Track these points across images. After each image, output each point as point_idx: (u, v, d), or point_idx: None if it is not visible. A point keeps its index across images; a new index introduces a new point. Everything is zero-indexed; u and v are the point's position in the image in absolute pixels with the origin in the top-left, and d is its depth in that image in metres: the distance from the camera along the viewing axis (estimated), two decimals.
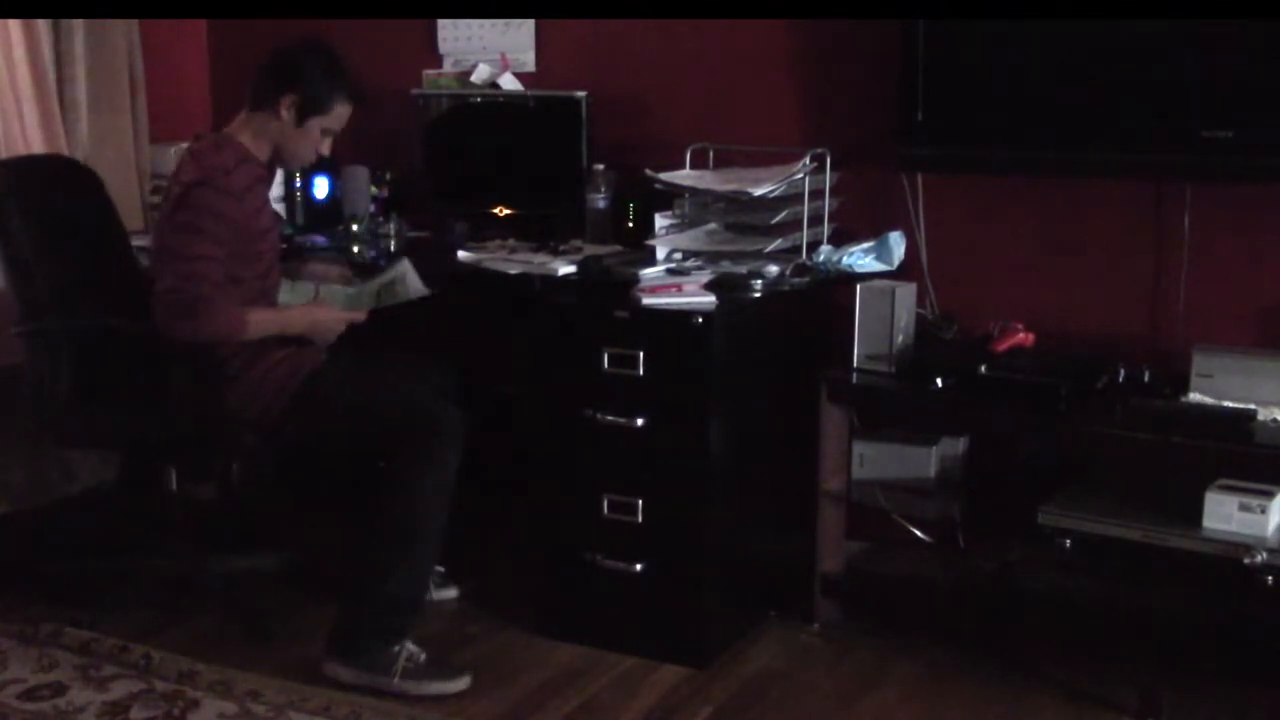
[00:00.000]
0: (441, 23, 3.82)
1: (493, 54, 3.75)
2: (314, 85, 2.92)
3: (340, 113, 2.97)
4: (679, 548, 2.87)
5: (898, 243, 3.15)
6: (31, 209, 3.10)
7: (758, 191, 3.02)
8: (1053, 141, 2.90)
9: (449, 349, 3.35)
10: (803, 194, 3.04)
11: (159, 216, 2.98)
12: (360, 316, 3.00)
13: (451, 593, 3.26)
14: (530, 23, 3.70)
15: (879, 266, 3.11)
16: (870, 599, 3.16)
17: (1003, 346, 2.94)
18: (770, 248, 3.01)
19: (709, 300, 2.79)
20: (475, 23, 3.78)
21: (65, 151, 3.67)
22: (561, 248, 3.32)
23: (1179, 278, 2.98)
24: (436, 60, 3.85)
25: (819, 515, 3.05)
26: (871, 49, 3.17)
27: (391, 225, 3.69)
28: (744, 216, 3.10)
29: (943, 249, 3.24)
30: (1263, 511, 2.58)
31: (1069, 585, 2.87)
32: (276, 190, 3.66)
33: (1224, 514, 2.61)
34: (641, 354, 2.82)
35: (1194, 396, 2.74)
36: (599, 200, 3.41)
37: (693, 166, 3.23)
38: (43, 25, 3.67)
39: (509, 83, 3.70)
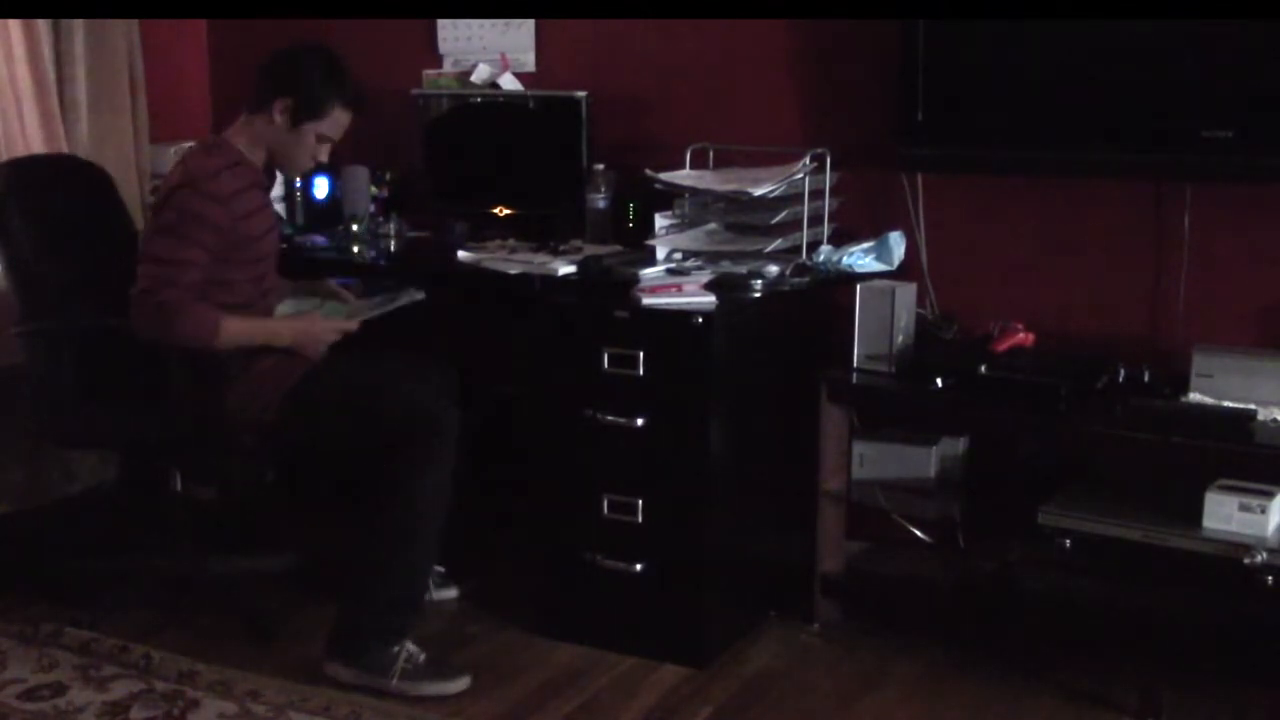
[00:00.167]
0: (441, 23, 3.82)
1: (493, 54, 3.75)
2: (309, 89, 2.87)
3: (337, 119, 2.92)
4: (679, 548, 2.87)
5: (898, 243, 3.15)
6: (33, 209, 3.11)
7: (758, 191, 3.02)
8: (1053, 141, 2.90)
9: (449, 349, 3.35)
10: (803, 194, 3.04)
11: (148, 218, 2.98)
12: (352, 326, 2.95)
13: (451, 593, 3.26)
14: (530, 23, 3.70)
15: (879, 266, 3.11)
16: (870, 599, 3.16)
17: (1003, 346, 2.94)
18: (770, 248, 3.01)
19: (709, 300, 2.79)
20: (475, 23, 3.78)
21: (65, 151, 3.67)
22: (561, 248, 3.32)
23: (1179, 278, 2.98)
24: (436, 60, 3.85)
25: (819, 515, 3.05)
26: (871, 49, 3.17)
27: (391, 225, 3.70)
28: (744, 216, 3.10)
29: (943, 249, 3.24)
30: (1263, 511, 2.58)
31: (1069, 585, 2.87)
32: (276, 190, 3.65)
33: (1224, 514, 2.61)
34: (641, 354, 2.82)
35: (1194, 396, 2.74)
36: (599, 200, 3.41)
37: (693, 166, 3.23)
38: (43, 25, 3.67)
39: (509, 83, 3.70)
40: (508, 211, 3.64)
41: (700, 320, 2.76)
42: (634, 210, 3.40)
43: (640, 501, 2.88)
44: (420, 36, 3.85)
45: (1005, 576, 2.98)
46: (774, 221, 3.02)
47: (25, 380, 3.09)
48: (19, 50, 3.62)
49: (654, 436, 2.85)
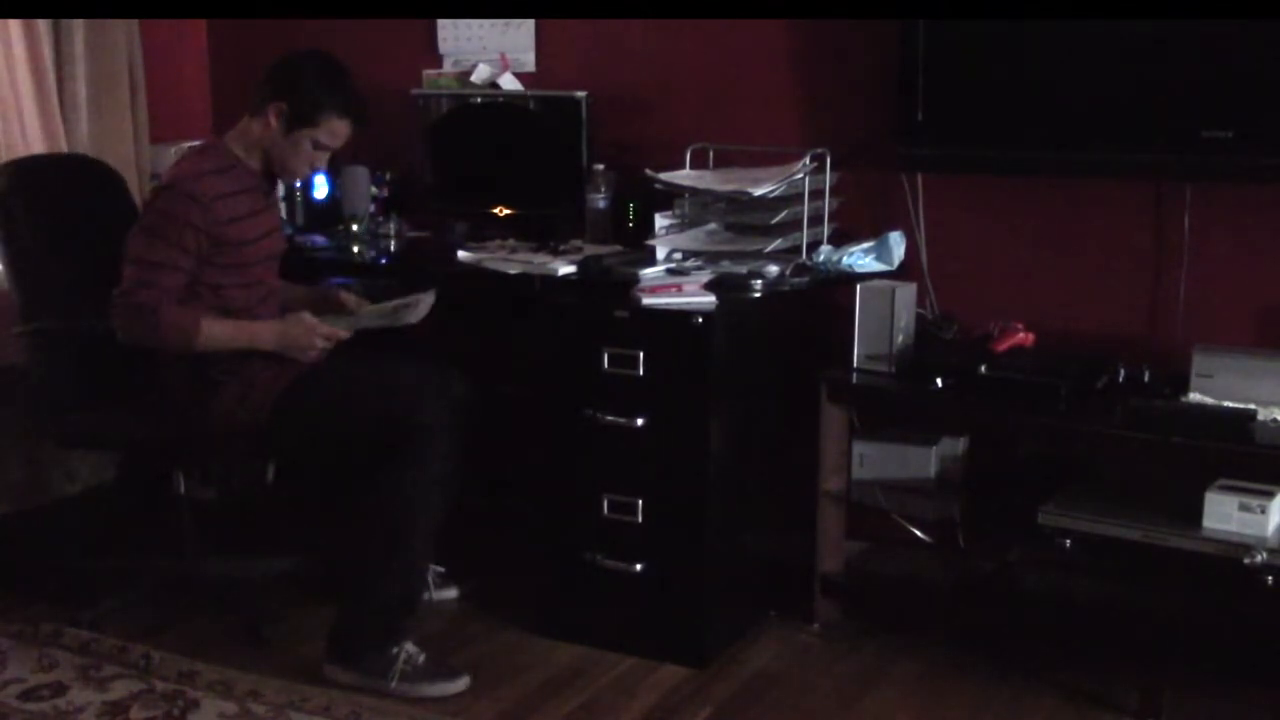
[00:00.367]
0: (441, 23, 3.82)
1: (493, 54, 3.75)
2: (304, 96, 2.84)
3: (333, 128, 2.89)
4: (679, 548, 2.87)
5: (898, 243, 3.14)
6: (36, 209, 3.10)
7: (758, 191, 3.02)
8: (1053, 141, 2.90)
9: (449, 349, 3.35)
10: (803, 194, 3.04)
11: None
12: (342, 334, 2.91)
13: (451, 593, 3.26)
14: (530, 23, 3.70)
15: (879, 266, 3.11)
16: (870, 599, 3.16)
17: (1003, 346, 2.94)
18: (770, 248, 3.01)
19: (709, 300, 2.79)
20: (475, 23, 3.78)
21: (65, 151, 3.67)
22: (561, 248, 3.32)
23: (1179, 278, 2.98)
24: (436, 60, 3.85)
25: (819, 515, 3.05)
26: (871, 49, 3.17)
27: (391, 225, 3.70)
28: (744, 216, 3.10)
29: (943, 249, 3.24)
30: (1263, 511, 2.58)
31: (1069, 585, 2.87)
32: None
33: (1224, 514, 2.61)
34: (641, 354, 2.82)
35: (1194, 396, 2.74)
36: (599, 200, 3.41)
37: (693, 166, 3.23)
38: (43, 25, 3.66)
39: (509, 83, 3.70)
40: (508, 211, 3.64)
41: (700, 320, 2.76)
42: (634, 210, 3.40)
43: (640, 501, 2.88)
44: (420, 36, 3.85)
45: (1005, 576, 2.99)
46: (774, 221, 3.02)
47: (25, 380, 3.09)
48: (19, 50, 3.62)
49: (654, 436, 2.85)
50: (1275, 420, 2.65)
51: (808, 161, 3.04)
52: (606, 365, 2.86)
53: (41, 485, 3.68)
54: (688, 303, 2.79)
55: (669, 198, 3.18)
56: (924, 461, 3.07)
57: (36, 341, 3.05)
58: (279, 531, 3.49)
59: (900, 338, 3.00)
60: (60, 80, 3.73)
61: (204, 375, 2.86)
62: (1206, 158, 2.72)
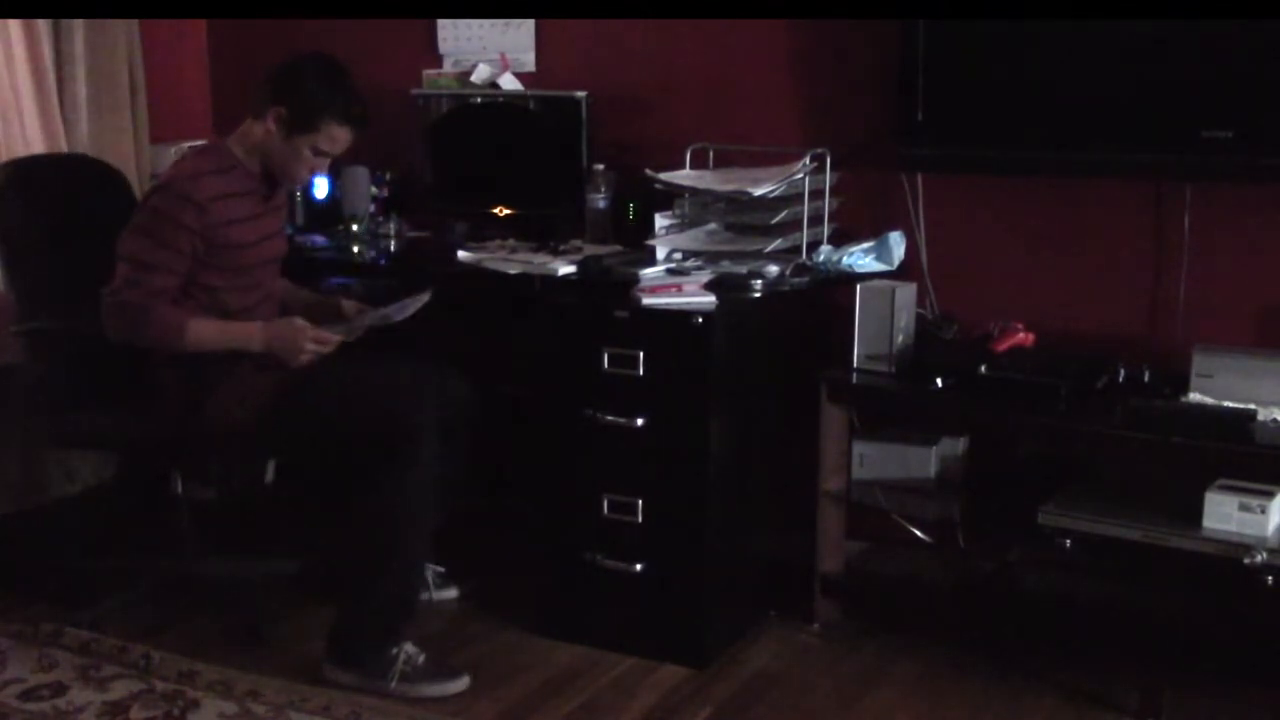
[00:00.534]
0: (441, 23, 3.82)
1: (493, 54, 3.75)
2: (303, 101, 2.83)
3: (332, 134, 2.87)
4: (679, 548, 2.87)
5: (898, 243, 3.14)
6: (35, 208, 3.10)
7: (758, 191, 3.02)
8: (1053, 141, 2.90)
9: (449, 349, 3.35)
10: (803, 194, 3.04)
11: None
12: (334, 339, 2.87)
13: (451, 593, 3.26)
14: (530, 23, 3.70)
15: (879, 266, 3.11)
16: (870, 599, 3.16)
17: (1003, 346, 2.94)
18: (770, 248, 3.01)
19: (709, 300, 2.79)
20: (475, 23, 3.78)
21: (65, 151, 3.67)
22: (561, 248, 3.32)
23: (1179, 278, 2.98)
24: (436, 60, 3.85)
25: (819, 515, 3.05)
26: (871, 49, 3.17)
27: (391, 225, 3.70)
28: (744, 216, 3.10)
29: (943, 249, 3.24)
30: (1263, 511, 2.58)
31: (1069, 585, 2.87)
32: None
33: (1224, 514, 2.61)
34: (641, 354, 2.82)
35: (1194, 396, 2.74)
36: (599, 200, 3.41)
37: (693, 166, 3.23)
38: (43, 25, 3.67)
39: (509, 83, 3.70)
40: (508, 211, 3.64)
41: (700, 320, 2.76)
42: (634, 210, 3.40)
43: (640, 501, 2.88)
44: (420, 36, 3.85)
45: (1005, 576, 2.99)
46: (774, 221, 3.02)
47: (22, 379, 3.09)
48: (19, 50, 3.62)
49: (654, 436, 2.85)
50: (1275, 420, 2.65)
51: (808, 161, 3.04)
52: (606, 365, 2.86)
53: (41, 485, 3.68)
54: (688, 303, 2.79)
55: (669, 198, 3.18)
56: (924, 461, 3.07)
57: (33, 341, 3.05)
58: (279, 531, 3.49)
59: (900, 338, 3.00)
60: (60, 80, 3.73)
61: (197, 376, 2.85)
62: (1206, 158, 2.72)
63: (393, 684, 2.74)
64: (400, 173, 3.79)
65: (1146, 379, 2.85)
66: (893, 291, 2.99)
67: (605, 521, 2.92)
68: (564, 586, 3.02)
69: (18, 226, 3.07)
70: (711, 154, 3.27)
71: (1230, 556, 2.57)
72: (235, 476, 3.28)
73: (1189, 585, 2.71)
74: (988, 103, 2.96)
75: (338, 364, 2.91)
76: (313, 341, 2.85)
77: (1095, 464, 2.95)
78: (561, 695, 2.79)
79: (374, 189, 3.75)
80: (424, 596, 3.12)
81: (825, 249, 3.07)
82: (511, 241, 3.46)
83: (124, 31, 3.85)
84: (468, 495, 3.14)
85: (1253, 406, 2.67)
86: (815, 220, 3.08)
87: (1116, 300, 3.08)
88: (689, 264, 3.02)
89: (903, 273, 3.15)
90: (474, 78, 3.74)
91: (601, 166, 3.43)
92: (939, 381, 2.88)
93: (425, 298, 2.94)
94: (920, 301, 3.13)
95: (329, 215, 3.78)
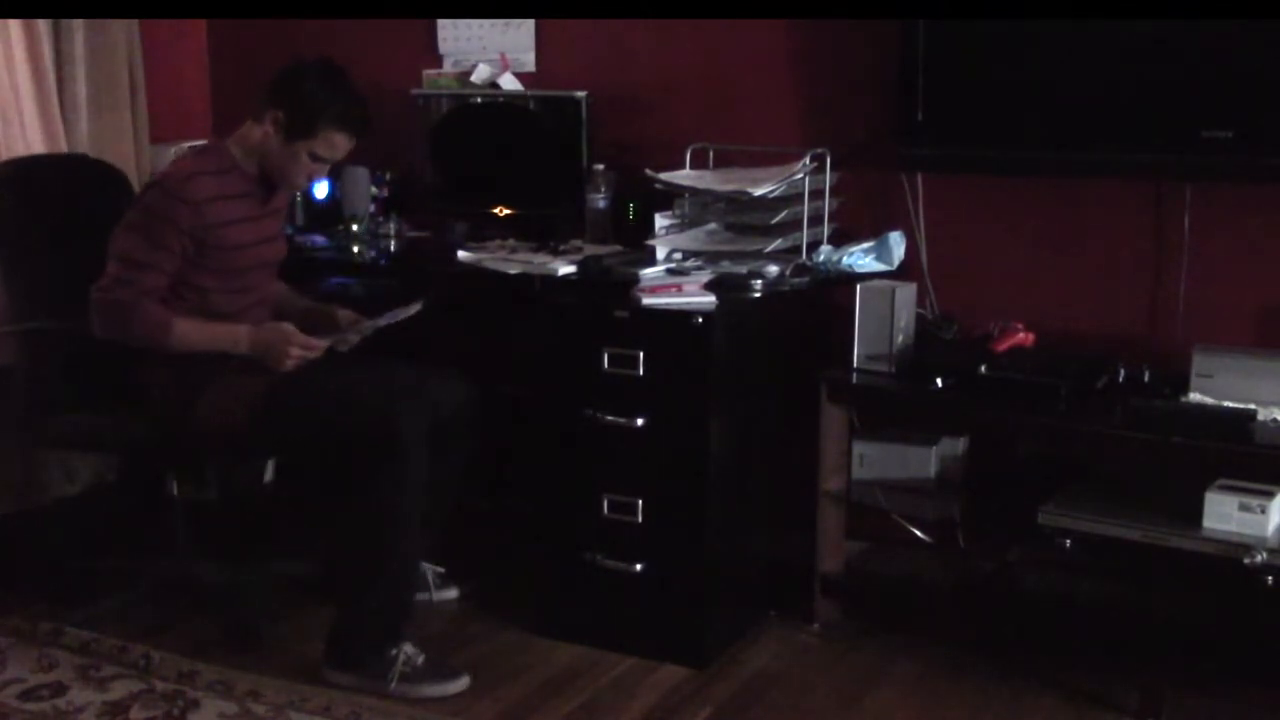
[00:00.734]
0: (441, 23, 3.82)
1: (493, 54, 3.75)
2: (302, 105, 2.81)
3: (331, 140, 2.85)
4: (679, 548, 2.87)
5: (898, 243, 3.15)
6: (32, 208, 3.10)
7: (758, 191, 3.02)
8: (1053, 141, 2.90)
9: (449, 349, 3.35)
10: (803, 194, 3.04)
11: None
12: (321, 345, 2.86)
13: (451, 593, 3.25)
14: (530, 23, 3.70)
15: (879, 266, 3.11)
16: (870, 599, 3.16)
17: (1003, 346, 2.94)
18: (770, 248, 3.01)
19: (709, 300, 2.79)
20: (475, 23, 3.78)
21: (65, 151, 3.67)
22: (561, 248, 3.32)
23: (1179, 278, 2.98)
24: (436, 60, 3.85)
25: (819, 515, 3.05)
26: (871, 49, 3.17)
27: (391, 225, 3.70)
28: (744, 216, 3.10)
29: (943, 249, 3.24)
30: (1263, 511, 2.58)
31: (1069, 585, 2.87)
32: None
33: (1224, 514, 2.61)
34: (641, 354, 2.82)
35: (1194, 396, 2.74)
36: (599, 200, 3.41)
37: (693, 166, 3.23)
38: (43, 25, 3.66)
39: (509, 83, 3.70)
40: (508, 211, 3.64)
41: (700, 320, 2.76)
42: (634, 210, 3.40)
43: (640, 501, 2.88)
44: (420, 36, 3.85)
45: (1005, 576, 2.98)
46: (774, 221, 3.02)
47: (15, 380, 3.08)
48: (19, 50, 3.62)
49: (654, 436, 2.85)
50: (1275, 420, 2.65)
51: (808, 161, 3.04)
52: (606, 365, 2.86)
53: (41, 485, 3.68)
54: (688, 303, 2.79)
55: (669, 198, 3.18)
56: (924, 461, 3.07)
57: (32, 341, 3.05)
58: (278, 532, 3.49)
59: (900, 338, 3.00)
60: (60, 80, 3.73)
61: (186, 377, 2.84)
62: (1206, 158, 2.72)
63: (393, 685, 2.73)
64: (400, 173, 3.79)
65: (1146, 379, 2.85)
66: (893, 291, 2.99)
67: (605, 521, 2.92)
68: (564, 586, 3.02)
69: (17, 226, 3.06)
70: (711, 154, 3.27)
71: (1230, 556, 2.57)
72: (233, 477, 3.28)
73: (1189, 585, 2.71)
74: (988, 103, 2.96)
75: (330, 368, 2.89)
76: (299, 348, 2.83)
77: (1095, 464, 2.95)
78: (561, 695, 2.79)
79: (374, 189, 3.75)
80: (424, 596, 3.12)
81: (825, 249, 3.07)
82: (511, 241, 3.46)
83: (124, 31, 3.85)
84: (468, 495, 3.14)
85: (1253, 406, 2.67)
86: (815, 220, 3.08)
87: (1116, 300, 3.08)
88: (689, 264, 3.02)
89: (903, 273, 3.15)
90: (474, 78, 3.74)
91: (601, 166, 3.43)
92: (939, 381, 2.88)
93: (416, 308, 2.93)
94: (920, 301, 3.13)
95: (329, 215, 3.78)
